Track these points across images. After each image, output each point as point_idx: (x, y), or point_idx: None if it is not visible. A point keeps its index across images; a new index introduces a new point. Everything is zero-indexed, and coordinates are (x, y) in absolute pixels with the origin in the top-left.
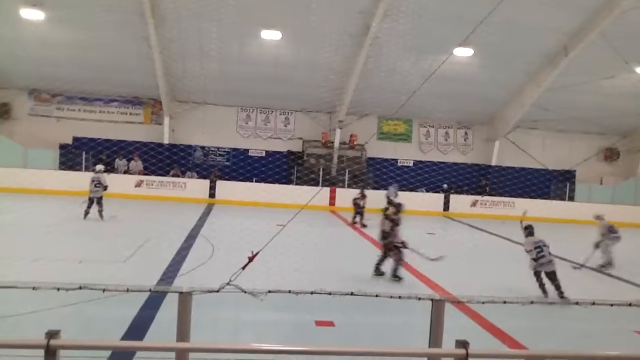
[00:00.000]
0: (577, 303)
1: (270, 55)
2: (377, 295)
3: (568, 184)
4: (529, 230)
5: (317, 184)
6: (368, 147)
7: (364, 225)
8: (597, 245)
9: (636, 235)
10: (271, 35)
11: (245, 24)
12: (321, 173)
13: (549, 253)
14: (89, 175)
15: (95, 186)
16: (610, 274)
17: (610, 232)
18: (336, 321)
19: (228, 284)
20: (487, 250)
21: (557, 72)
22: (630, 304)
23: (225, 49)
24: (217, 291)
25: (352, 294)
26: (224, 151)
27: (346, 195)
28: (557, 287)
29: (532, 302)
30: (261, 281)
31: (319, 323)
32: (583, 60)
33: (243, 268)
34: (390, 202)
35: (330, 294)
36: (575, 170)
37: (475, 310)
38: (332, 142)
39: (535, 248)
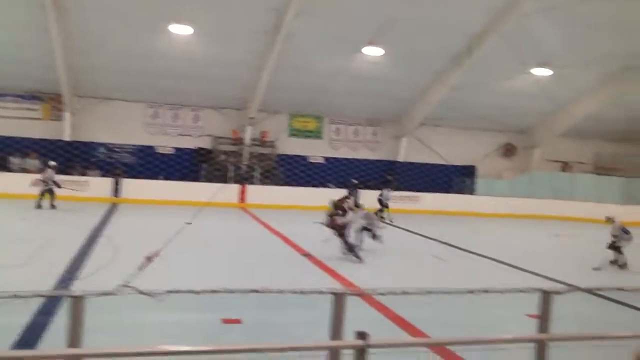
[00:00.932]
0: (471, 292)
1: (180, 51)
2: (280, 292)
3: (469, 179)
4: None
5: (226, 181)
6: (279, 144)
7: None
8: (611, 247)
9: (531, 225)
10: (181, 30)
11: (153, 17)
12: (231, 169)
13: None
14: None
15: None
16: (511, 264)
17: (624, 232)
18: (244, 319)
19: (124, 285)
20: (394, 243)
21: (462, 72)
22: (520, 291)
23: (132, 43)
24: (112, 294)
25: (256, 291)
26: (131, 148)
27: (256, 192)
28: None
29: (429, 292)
30: (165, 281)
31: (226, 321)
32: (485, 61)
33: (140, 269)
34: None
35: (232, 291)
36: (476, 166)
37: (382, 303)
38: (243, 139)
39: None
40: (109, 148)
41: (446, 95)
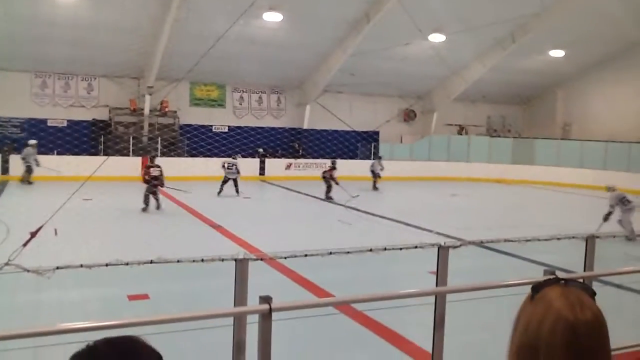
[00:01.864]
0: (370, 250)
1: (66, 17)
2: (178, 261)
3: (373, 144)
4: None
5: (127, 154)
6: (181, 114)
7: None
8: (606, 218)
9: (431, 187)
10: None
11: None
12: (131, 142)
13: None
14: None
15: None
16: (411, 224)
17: (622, 203)
18: (150, 293)
19: (6, 264)
20: (302, 211)
21: (361, 39)
22: (415, 247)
23: (12, 7)
24: None
25: (151, 262)
26: (18, 122)
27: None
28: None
29: (330, 253)
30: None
31: (131, 297)
32: (383, 28)
33: (24, 245)
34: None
35: (127, 264)
36: (378, 131)
37: (288, 267)
38: (142, 109)
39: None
40: None
41: (347, 62)
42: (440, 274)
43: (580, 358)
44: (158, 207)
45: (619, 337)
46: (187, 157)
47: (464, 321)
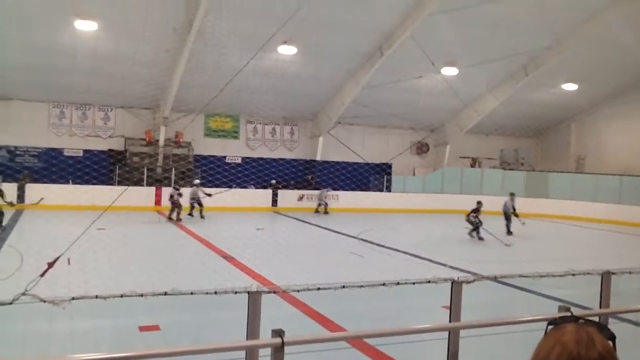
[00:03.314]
0: (384, 284)
1: (86, 47)
2: (192, 293)
3: (385, 176)
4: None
5: (141, 184)
6: (195, 145)
7: (179, 220)
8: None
9: (444, 220)
10: (86, 25)
11: (54, 11)
12: (146, 172)
13: None
14: None
15: None
16: (425, 257)
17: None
18: (161, 324)
19: (23, 294)
20: (314, 242)
21: (374, 72)
22: (429, 281)
23: (32, 37)
24: (11, 303)
25: (165, 293)
26: (36, 151)
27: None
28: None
29: (343, 287)
30: (74, 288)
31: (142, 328)
32: (396, 61)
33: (41, 275)
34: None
35: (142, 295)
36: (391, 163)
37: (301, 300)
38: (157, 140)
39: None
40: (11, 151)
41: (359, 94)
42: (454, 309)
43: None
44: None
45: None
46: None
47: (477, 357)
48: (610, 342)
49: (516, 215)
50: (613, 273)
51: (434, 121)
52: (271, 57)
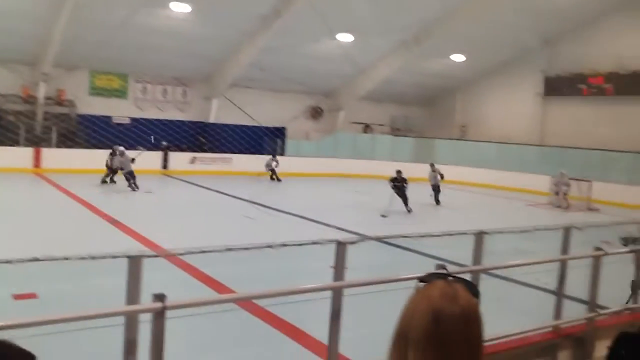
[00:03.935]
0: (270, 246)
1: None
2: (65, 259)
3: (280, 140)
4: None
5: (17, 144)
6: (79, 103)
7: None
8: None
9: (336, 184)
10: None
11: None
12: (22, 131)
13: None
14: None
15: None
16: (315, 219)
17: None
18: (39, 292)
19: None
20: (206, 206)
21: (271, 34)
22: (314, 243)
23: None
24: None
25: (36, 259)
26: None
27: (53, 155)
28: None
29: (229, 249)
30: None
31: (18, 297)
32: (293, 24)
33: None
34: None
35: (10, 261)
36: (285, 127)
37: (190, 264)
38: (36, 97)
39: None
40: None
41: (256, 57)
42: (338, 269)
43: (441, 348)
44: None
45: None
46: (85, 149)
47: (361, 314)
48: (475, 299)
49: (442, 177)
50: (486, 233)
51: (329, 87)
52: (162, 14)
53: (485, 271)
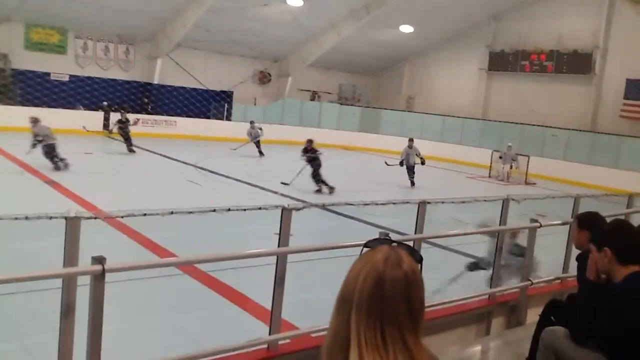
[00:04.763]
0: (214, 210)
1: None
2: (6, 218)
3: (226, 104)
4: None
5: None
6: (13, 58)
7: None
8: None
9: (281, 151)
10: None
11: None
12: None
13: None
14: None
15: None
16: (259, 185)
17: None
18: None
19: None
20: (149, 169)
21: None
22: (259, 208)
23: None
24: None
25: None
26: None
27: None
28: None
29: (172, 213)
30: None
31: None
32: None
33: None
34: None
35: None
36: (232, 92)
37: (131, 227)
38: None
39: None
40: None
41: (203, 18)
42: (283, 235)
43: (384, 310)
44: None
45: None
46: (20, 106)
47: (304, 280)
48: (418, 264)
49: (423, 162)
50: (428, 202)
51: (277, 52)
52: None
53: (427, 239)
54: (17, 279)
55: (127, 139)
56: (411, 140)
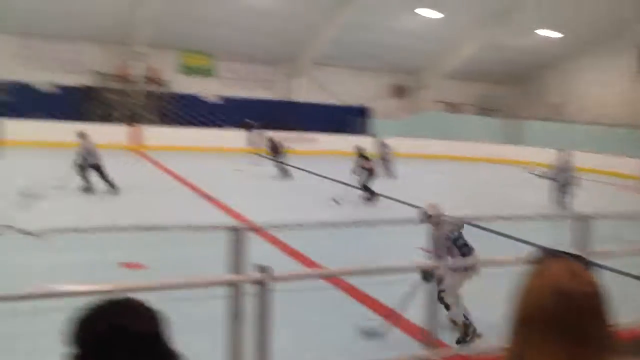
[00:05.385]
0: (360, 223)
1: None
2: (173, 228)
3: (362, 119)
4: None
5: (116, 122)
6: (169, 82)
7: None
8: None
9: (422, 165)
10: None
11: None
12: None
13: None
14: None
15: None
16: (410, 203)
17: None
18: (143, 259)
19: (5, 226)
20: (295, 185)
21: (352, 10)
22: (408, 221)
23: None
24: None
25: (148, 229)
26: (5, 85)
27: (147, 133)
28: None
29: (324, 225)
30: (50, 224)
31: (124, 265)
32: (375, 0)
33: (21, 208)
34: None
35: (126, 229)
36: (367, 106)
37: (279, 239)
38: (131, 76)
39: None
40: None
41: (338, 35)
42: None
43: (573, 328)
44: None
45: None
46: (176, 126)
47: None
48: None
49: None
50: (591, 217)
51: (412, 64)
52: None
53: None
54: (186, 284)
55: (278, 161)
56: (565, 151)
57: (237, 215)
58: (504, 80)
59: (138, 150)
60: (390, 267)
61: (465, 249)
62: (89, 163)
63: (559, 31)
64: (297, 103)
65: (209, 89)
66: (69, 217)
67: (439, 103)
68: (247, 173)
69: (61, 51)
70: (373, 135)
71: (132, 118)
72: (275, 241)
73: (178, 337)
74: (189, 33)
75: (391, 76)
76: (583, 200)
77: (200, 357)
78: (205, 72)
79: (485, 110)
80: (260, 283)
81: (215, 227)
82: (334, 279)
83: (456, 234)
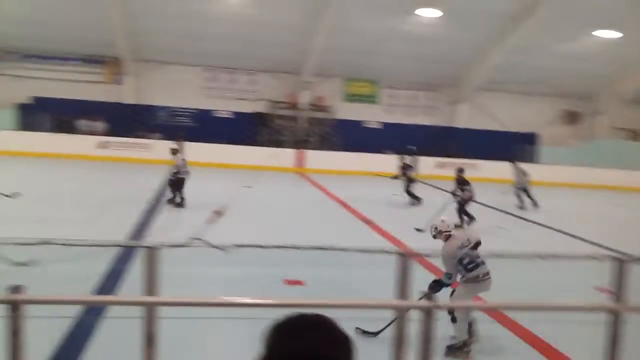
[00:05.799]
0: (538, 256)
1: (233, 14)
2: (344, 250)
3: (530, 146)
4: None
5: (283, 146)
6: (334, 109)
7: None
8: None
9: (596, 195)
10: None
11: None
12: (287, 135)
13: None
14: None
15: None
16: (574, 234)
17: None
18: (305, 276)
19: (195, 238)
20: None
21: (520, 34)
22: (591, 257)
23: (186, 5)
24: (185, 246)
25: (320, 248)
26: (189, 112)
27: (313, 157)
28: None
29: (498, 256)
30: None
31: (288, 282)
32: (545, 23)
33: (208, 223)
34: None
35: (299, 247)
36: (537, 133)
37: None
38: (299, 104)
39: None
40: (170, 112)
41: (504, 59)
42: (618, 289)
43: None
44: None
45: None
46: (339, 151)
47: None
48: None
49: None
50: None
51: (586, 88)
52: (411, 21)
53: None
54: (353, 305)
55: (408, 183)
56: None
57: (394, 240)
58: None
59: (301, 172)
60: (569, 306)
61: (470, 267)
62: (177, 177)
63: None
64: (459, 129)
65: (371, 115)
66: (244, 232)
67: (618, 130)
68: (404, 198)
69: (240, 82)
70: (512, 161)
71: (297, 143)
72: (433, 269)
73: None
74: (354, 62)
75: (562, 101)
76: None
77: None
78: (368, 99)
79: None
80: (426, 310)
81: (384, 252)
82: (499, 315)
83: (463, 251)
